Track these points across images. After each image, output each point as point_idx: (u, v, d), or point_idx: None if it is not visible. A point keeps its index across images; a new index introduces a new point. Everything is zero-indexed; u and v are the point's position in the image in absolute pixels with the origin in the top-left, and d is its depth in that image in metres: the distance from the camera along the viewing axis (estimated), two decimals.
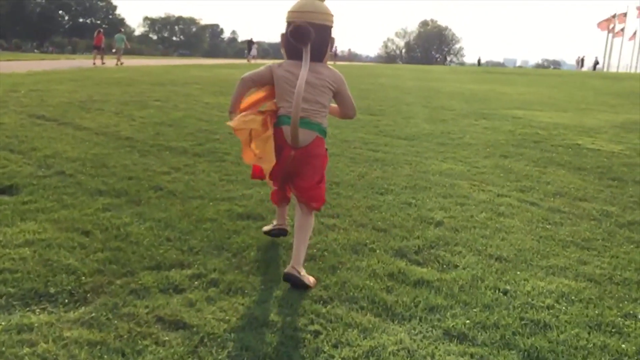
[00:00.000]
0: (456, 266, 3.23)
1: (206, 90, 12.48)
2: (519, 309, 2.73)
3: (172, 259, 3.13)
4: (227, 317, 2.53)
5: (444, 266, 3.23)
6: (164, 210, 3.98)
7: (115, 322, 2.46)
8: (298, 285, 2.87)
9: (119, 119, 7.88)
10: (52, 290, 2.71)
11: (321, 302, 2.73)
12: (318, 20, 2.94)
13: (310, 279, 2.92)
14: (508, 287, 2.96)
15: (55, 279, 2.82)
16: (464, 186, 5.01)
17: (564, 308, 2.76)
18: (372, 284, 2.93)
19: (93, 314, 2.51)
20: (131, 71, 18.94)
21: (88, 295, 2.69)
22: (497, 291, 2.91)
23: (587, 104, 13.94)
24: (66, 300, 2.63)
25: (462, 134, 8.01)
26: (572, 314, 2.70)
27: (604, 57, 61.09)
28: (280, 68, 3.06)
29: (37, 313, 2.52)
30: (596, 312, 2.74)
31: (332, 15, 3.04)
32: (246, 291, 2.80)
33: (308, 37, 2.83)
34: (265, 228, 3.60)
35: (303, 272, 2.93)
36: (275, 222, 3.59)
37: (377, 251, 3.40)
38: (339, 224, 3.86)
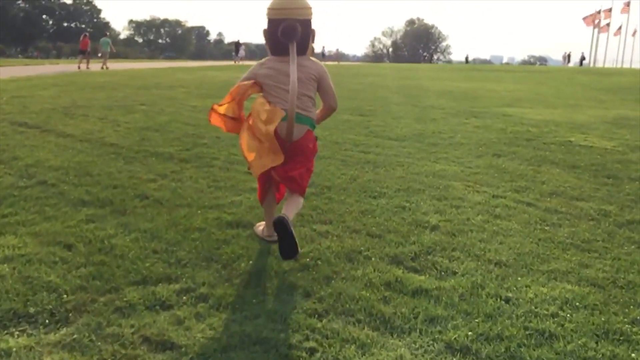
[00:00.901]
0: (455, 273, 3.11)
1: (192, 94, 12.32)
2: (523, 318, 2.62)
3: (158, 272, 2.99)
4: (217, 336, 2.40)
5: (442, 273, 3.11)
6: (150, 220, 3.84)
7: (99, 343, 2.32)
8: (288, 232, 2.87)
9: (103, 124, 7.71)
10: (31, 310, 2.57)
11: (316, 315, 2.60)
12: (299, 16, 3.06)
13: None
14: (510, 295, 2.85)
15: (35, 298, 2.67)
16: (459, 187, 4.90)
17: (568, 316, 2.65)
18: (368, 294, 2.81)
19: (75, 336, 2.37)
20: (116, 75, 18.72)
21: (70, 314, 2.55)
22: (498, 299, 2.80)
23: (576, 100, 13.91)
24: (47, 321, 2.49)
25: (454, 133, 7.91)
26: (577, 321, 2.60)
27: (590, 52, 61.45)
28: (263, 67, 3.19)
29: (16, 336, 2.37)
30: (602, 319, 2.63)
31: (311, 8, 3.15)
32: (237, 306, 2.67)
33: (296, 34, 2.99)
34: (259, 231, 3.55)
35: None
36: (265, 232, 3.50)
37: (373, 259, 3.27)
38: (331, 231, 3.73)
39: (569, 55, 53.59)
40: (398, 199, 4.48)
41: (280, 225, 2.87)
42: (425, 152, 6.51)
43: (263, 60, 3.26)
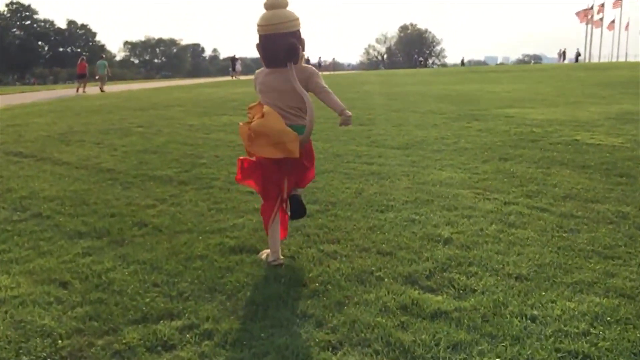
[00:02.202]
0: (474, 290, 2.93)
1: (190, 112, 12.18)
2: (552, 338, 2.43)
3: (159, 308, 2.81)
4: None
5: (461, 291, 2.93)
6: (149, 249, 3.66)
7: None
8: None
9: (99, 149, 7.55)
10: (24, 359, 2.39)
11: (330, 348, 2.42)
12: (286, 29, 3.22)
13: None
14: (535, 312, 2.66)
15: (29, 345, 2.49)
16: (468, 196, 4.72)
17: (601, 333, 2.46)
18: (384, 320, 2.62)
19: None
20: (112, 97, 18.61)
21: None
22: (524, 318, 2.61)
23: (577, 97, 13.74)
24: None
25: (457, 138, 7.74)
26: (611, 339, 2.41)
27: (585, 48, 61.33)
28: (258, 79, 3.42)
29: None
30: (638, 334, 2.44)
31: (298, 19, 3.30)
32: (244, 342, 2.48)
33: (295, 52, 3.18)
34: (263, 257, 3.45)
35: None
36: (270, 257, 3.34)
37: (385, 279, 3.09)
38: (340, 251, 3.56)
39: (564, 52, 53.43)
40: (407, 212, 4.30)
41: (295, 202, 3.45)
42: (429, 159, 6.34)
43: (259, 70, 3.47)
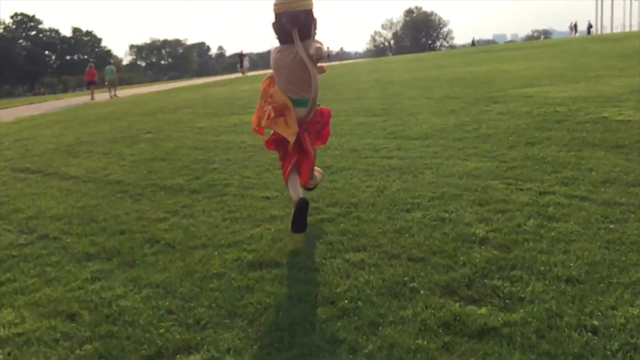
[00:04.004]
0: (521, 299, 2.63)
1: (198, 114, 11.92)
2: (620, 354, 2.13)
3: (175, 340, 2.55)
4: None
5: (507, 301, 2.63)
6: (162, 270, 3.40)
7: None
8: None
9: (108, 160, 7.32)
10: None
11: None
12: (301, 7, 3.52)
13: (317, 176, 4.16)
14: (596, 323, 2.36)
15: None
16: (499, 187, 4.40)
17: None
18: (425, 342, 2.34)
19: None
20: (120, 103, 18.45)
21: None
22: (583, 330, 2.31)
23: (596, 71, 13.27)
24: None
25: (477, 123, 7.39)
26: None
27: (596, 19, 60.22)
28: (273, 53, 3.73)
29: None
30: None
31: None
32: None
33: (298, 21, 3.47)
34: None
35: (312, 183, 4.08)
36: (293, 201, 3.60)
37: (421, 291, 2.80)
38: (367, 259, 3.27)
39: (575, 25, 52.40)
40: (435, 210, 4.00)
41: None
42: (452, 149, 6.01)
43: (273, 48, 3.77)
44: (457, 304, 2.63)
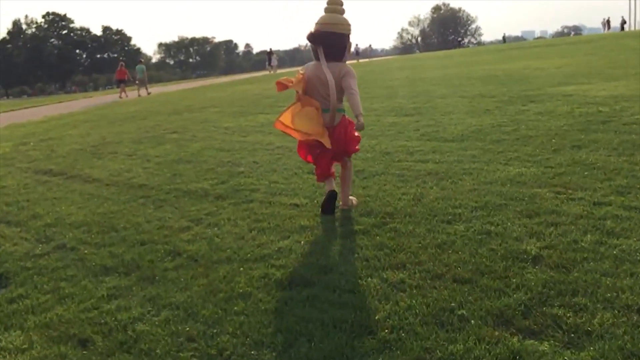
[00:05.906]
0: (588, 333, 2.29)
1: (225, 113, 11.70)
2: None
3: None
4: None
5: (571, 335, 2.29)
6: (183, 288, 3.14)
7: None
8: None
9: (132, 162, 7.12)
10: None
11: None
12: (339, 30, 3.92)
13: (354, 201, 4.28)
14: None
15: None
16: (547, 196, 4.05)
17: None
18: None
19: None
20: (147, 102, 18.38)
21: None
22: None
23: (635, 68, 12.67)
24: None
25: (516, 124, 7.00)
26: None
27: (630, 15, 58.61)
28: (308, 69, 4.01)
29: None
30: None
31: (350, 25, 3.96)
32: None
33: (320, 39, 3.86)
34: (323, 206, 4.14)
35: (351, 202, 4.23)
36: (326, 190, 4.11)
37: (472, 320, 2.48)
38: (408, 279, 2.95)
39: (608, 21, 51.03)
40: (479, 222, 3.67)
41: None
42: (491, 152, 5.65)
43: (308, 64, 4.10)
44: (515, 338, 2.31)
